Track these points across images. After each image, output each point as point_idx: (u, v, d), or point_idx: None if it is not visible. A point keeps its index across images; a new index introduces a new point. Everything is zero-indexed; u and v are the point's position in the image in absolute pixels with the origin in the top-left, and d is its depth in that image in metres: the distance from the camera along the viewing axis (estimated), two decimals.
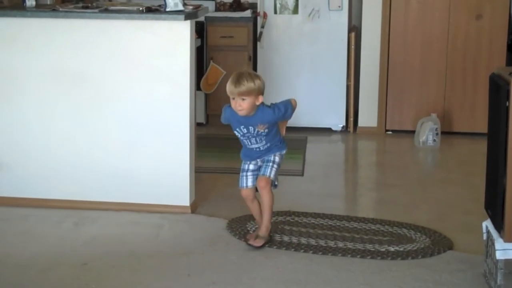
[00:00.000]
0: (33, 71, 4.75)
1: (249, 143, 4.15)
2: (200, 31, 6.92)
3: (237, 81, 4.00)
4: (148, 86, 4.68)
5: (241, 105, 4.00)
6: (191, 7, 4.75)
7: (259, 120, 4.06)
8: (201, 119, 7.21)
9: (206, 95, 7.30)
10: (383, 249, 4.17)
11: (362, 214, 4.83)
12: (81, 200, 4.80)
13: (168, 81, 4.66)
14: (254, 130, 4.08)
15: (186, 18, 4.54)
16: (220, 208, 4.88)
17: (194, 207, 4.82)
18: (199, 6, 4.86)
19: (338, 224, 4.59)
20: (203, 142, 6.33)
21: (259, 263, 3.99)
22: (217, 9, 7.49)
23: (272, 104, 4.13)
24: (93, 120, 4.75)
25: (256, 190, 4.21)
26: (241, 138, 4.16)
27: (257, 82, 4.01)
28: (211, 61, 7.20)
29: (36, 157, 4.83)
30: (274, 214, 4.64)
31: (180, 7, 4.59)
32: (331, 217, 4.71)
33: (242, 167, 4.23)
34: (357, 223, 4.60)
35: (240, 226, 4.51)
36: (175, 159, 4.72)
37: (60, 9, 4.72)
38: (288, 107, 4.14)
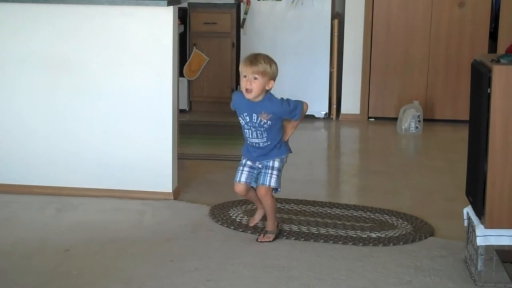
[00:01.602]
0: (14, 57, 4.72)
1: (250, 135, 4.03)
2: (183, 17, 6.90)
3: (254, 59, 3.93)
4: (131, 72, 4.66)
5: (251, 84, 3.89)
6: None
7: (264, 108, 3.94)
8: (184, 105, 7.20)
9: (189, 82, 7.29)
10: (365, 236, 4.19)
11: (344, 201, 4.85)
12: (63, 187, 4.79)
13: (150, 67, 4.64)
14: (257, 119, 3.95)
15: (169, 4, 4.52)
16: (203, 195, 4.88)
17: (177, 194, 4.82)
18: None
19: (320, 210, 4.61)
20: (186, 129, 6.33)
21: (242, 249, 4.00)
22: None
23: (283, 98, 4.02)
24: (75, 106, 4.73)
25: (253, 189, 4.12)
26: (244, 127, 4.04)
27: (273, 66, 3.95)
28: (194, 47, 7.19)
29: (18, 143, 4.81)
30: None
31: None
32: (314, 203, 4.72)
33: (240, 162, 4.14)
34: (339, 210, 4.62)
35: (223, 212, 4.52)
36: (158, 146, 4.71)
37: None
38: (298, 106, 4.00)
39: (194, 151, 5.90)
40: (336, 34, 7.04)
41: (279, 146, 4.07)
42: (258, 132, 4.01)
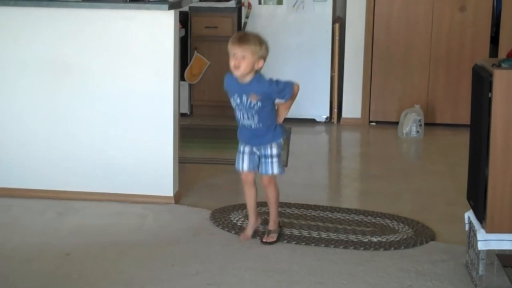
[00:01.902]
0: (16, 60, 4.72)
1: (242, 117, 3.99)
2: (184, 21, 6.90)
3: (244, 37, 3.88)
4: (132, 76, 4.67)
5: (239, 62, 3.83)
6: None
7: (252, 89, 3.89)
8: (185, 109, 7.20)
9: (190, 86, 7.29)
10: (366, 240, 4.19)
11: (345, 205, 4.85)
12: (64, 190, 4.79)
13: (152, 71, 4.65)
14: (247, 100, 3.91)
15: (170, 8, 4.53)
16: (204, 199, 4.88)
17: (178, 198, 4.82)
18: None
19: (321, 214, 4.61)
20: (187, 133, 6.33)
21: (243, 253, 4.00)
22: None
23: (272, 78, 3.97)
24: (76, 110, 4.73)
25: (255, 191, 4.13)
26: (235, 109, 4.00)
27: (263, 46, 3.89)
28: (195, 51, 7.19)
29: (19, 146, 4.81)
30: (258, 205, 4.65)
31: None
32: (315, 207, 4.72)
33: (238, 148, 4.11)
34: (340, 214, 4.62)
35: (224, 216, 4.52)
36: (159, 150, 4.71)
37: None
38: (288, 86, 3.95)
39: (195, 155, 5.90)
40: (337, 38, 7.04)
41: (273, 129, 4.01)
42: (249, 113, 3.96)
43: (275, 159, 4.03)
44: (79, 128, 4.75)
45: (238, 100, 3.96)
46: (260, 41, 3.90)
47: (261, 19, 7.09)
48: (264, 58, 3.92)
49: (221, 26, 7.17)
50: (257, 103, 3.93)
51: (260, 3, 7.07)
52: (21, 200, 4.75)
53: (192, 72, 7.21)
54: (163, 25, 4.60)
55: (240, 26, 7.15)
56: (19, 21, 4.70)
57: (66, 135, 4.76)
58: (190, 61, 7.19)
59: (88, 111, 4.72)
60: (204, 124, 6.95)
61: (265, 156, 4.03)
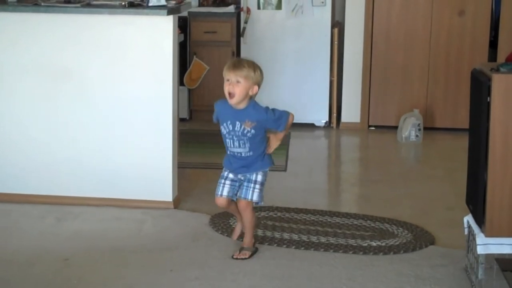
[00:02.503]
0: (15, 66, 4.73)
1: (232, 145, 3.93)
2: (183, 26, 6.91)
3: (238, 63, 3.84)
4: (131, 81, 4.67)
5: (234, 88, 3.79)
6: (174, 2, 4.74)
7: (248, 115, 3.85)
8: (184, 114, 7.20)
9: (190, 91, 7.30)
10: (365, 244, 4.19)
11: (344, 209, 4.85)
12: (63, 196, 4.79)
13: (151, 76, 4.65)
14: (240, 127, 3.87)
15: (169, 13, 4.53)
16: (203, 204, 4.87)
17: (177, 203, 4.82)
18: (182, 1, 4.86)
19: (320, 219, 4.60)
20: (186, 138, 6.33)
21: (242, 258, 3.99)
22: (201, 4, 7.48)
23: (268, 107, 3.92)
24: (75, 115, 4.73)
25: (234, 202, 4.03)
26: (226, 136, 3.94)
27: (257, 71, 3.84)
28: (195, 56, 7.20)
29: (19, 152, 4.81)
30: (257, 209, 4.66)
31: (163, 2, 4.58)
32: (314, 212, 4.72)
33: (221, 174, 4.04)
34: (339, 218, 4.62)
35: (223, 221, 4.52)
36: (158, 154, 4.71)
37: (42, 4, 4.70)
38: (283, 115, 3.90)
39: (194, 160, 5.90)
40: (336, 42, 7.04)
41: (261, 158, 3.96)
42: (240, 141, 3.90)
43: (257, 186, 3.94)
44: (78, 133, 4.75)
45: (230, 127, 3.90)
46: (254, 67, 3.85)
47: (260, 24, 7.10)
48: (258, 84, 3.87)
49: (220, 31, 7.17)
50: (250, 130, 3.87)
51: (259, 8, 7.08)
52: (20, 205, 4.75)
53: (191, 77, 7.21)
54: (162, 30, 4.60)
55: (239, 31, 7.15)
56: (18, 26, 4.70)
57: (65, 140, 4.76)
58: (189, 66, 7.20)
59: (87, 116, 4.72)
60: (203, 129, 6.95)
61: (249, 181, 3.95)
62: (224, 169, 4.05)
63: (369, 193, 5.29)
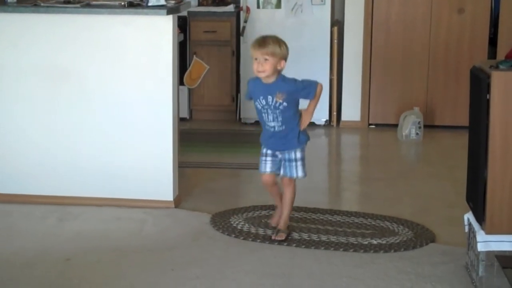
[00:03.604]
0: (14, 67, 4.73)
1: (267, 119, 4.09)
2: (183, 25, 6.91)
3: (263, 41, 4.02)
4: (131, 81, 4.67)
5: (263, 66, 3.99)
6: (173, 1, 4.74)
7: (278, 87, 4.02)
8: (185, 114, 7.20)
9: (190, 90, 7.29)
10: (366, 242, 4.19)
11: (345, 208, 4.85)
12: (64, 196, 4.79)
13: (151, 76, 4.65)
14: (273, 100, 4.04)
15: (168, 13, 4.53)
16: (204, 203, 4.88)
17: (178, 202, 4.82)
18: (181, 0, 4.86)
19: (321, 217, 4.61)
20: (186, 137, 6.33)
21: (243, 257, 4.00)
22: (200, 3, 7.48)
23: (295, 78, 4.11)
24: (76, 115, 4.73)
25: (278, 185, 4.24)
26: (261, 111, 4.11)
27: (283, 47, 4.03)
28: (194, 56, 7.18)
29: (19, 153, 4.81)
30: (258, 208, 4.67)
31: (162, 2, 4.58)
32: (315, 210, 4.72)
33: (261, 151, 4.21)
34: (340, 217, 4.62)
35: (224, 220, 4.52)
36: (159, 154, 4.71)
37: (42, 4, 4.71)
38: (312, 84, 4.09)
39: (194, 159, 5.90)
40: (335, 41, 7.04)
41: (297, 134, 4.12)
42: (274, 114, 4.07)
43: (299, 162, 4.15)
44: (78, 134, 4.75)
45: (264, 102, 4.07)
46: (279, 42, 4.04)
47: (259, 23, 7.10)
48: (285, 58, 4.05)
49: (220, 30, 7.17)
50: (282, 102, 4.03)
51: (258, 7, 7.08)
52: (21, 206, 4.75)
53: (191, 77, 7.19)
54: (161, 30, 4.61)
55: (238, 30, 7.15)
56: (17, 27, 4.70)
57: (65, 140, 4.77)
58: (189, 65, 7.19)
59: (87, 116, 4.73)
60: (204, 129, 6.96)
61: (290, 160, 4.14)
62: (262, 146, 4.21)
63: (369, 191, 5.29)
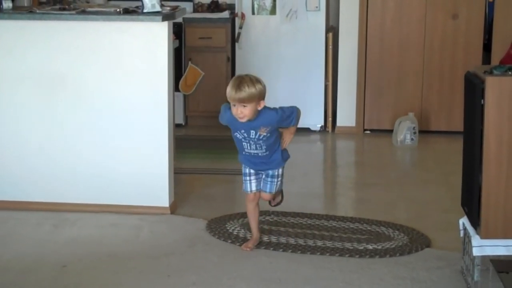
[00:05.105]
0: (10, 73, 4.74)
1: (249, 148, 4.03)
2: (178, 32, 6.92)
3: (238, 87, 3.84)
4: (126, 88, 4.68)
5: (242, 112, 3.87)
6: (168, 8, 4.75)
7: (261, 123, 3.94)
8: (180, 120, 7.21)
9: (185, 96, 7.30)
10: (362, 248, 4.20)
11: (341, 213, 4.86)
12: (60, 202, 4.79)
13: (146, 82, 4.66)
14: (256, 134, 3.97)
15: (163, 19, 4.55)
16: (200, 209, 4.88)
17: (174, 208, 4.83)
18: (176, 7, 4.87)
19: (317, 223, 4.62)
20: (182, 143, 6.34)
21: (239, 263, 4.00)
22: (195, 10, 7.49)
23: (276, 108, 4.03)
24: (71, 122, 4.74)
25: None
26: (241, 142, 4.04)
27: (258, 86, 3.87)
28: (190, 62, 7.21)
29: (15, 159, 4.81)
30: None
31: (158, 8, 4.59)
32: (310, 216, 4.73)
33: (243, 171, 4.17)
34: (336, 222, 4.63)
35: (220, 226, 4.53)
36: (154, 160, 4.72)
37: (37, 11, 4.72)
38: (294, 111, 4.04)
39: (190, 166, 5.91)
40: (330, 47, 7.06)
41: (279, 154, 4.11)
42: (257, 144, 4.03)
43: (279, 179, 4.18)
44: (74, 140, 4.75)
45: (246, 134, 4.00)
46: (254, 84, 3.87)
47: (254, 29, 7.12)
48: (263, 97, 3.92)
49: (215, 36, 7.19)
50: (266, 134, 3.99)
51: (253, 13, 7.10)
52: (17, 212, 4.75)
53: (187, 83, 7.22)
54: (157, 36, 4.62)
55: (234, 37, 7.17)
56: (13, 34, 4.71)
57: (61, 147, 4.77)
58: (184, 72, 7.21)
59: (82, 123, 4.73)
60: (199, 135, 6.96)
61: (273, 176, 4.15)
62: (243, 166, 4.18)
63: (365, 196, 5.30)
